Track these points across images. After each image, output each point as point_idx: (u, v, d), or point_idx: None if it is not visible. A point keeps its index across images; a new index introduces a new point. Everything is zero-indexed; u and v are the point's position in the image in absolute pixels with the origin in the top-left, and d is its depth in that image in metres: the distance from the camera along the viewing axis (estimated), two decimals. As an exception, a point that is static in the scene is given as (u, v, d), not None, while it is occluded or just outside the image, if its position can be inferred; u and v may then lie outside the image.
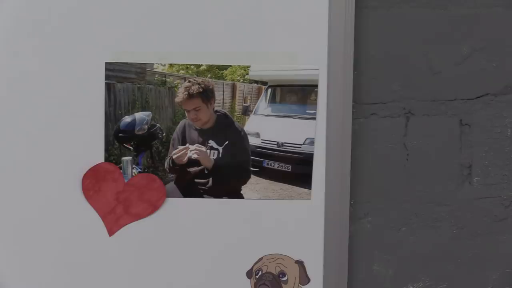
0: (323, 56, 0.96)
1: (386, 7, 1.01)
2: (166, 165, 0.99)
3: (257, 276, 1.02)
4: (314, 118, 0.99)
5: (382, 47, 1.02)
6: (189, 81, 0.96)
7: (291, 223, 1.01)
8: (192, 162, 0.99)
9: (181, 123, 0.98)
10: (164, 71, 0.96)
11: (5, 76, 0.95)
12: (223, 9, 0.95)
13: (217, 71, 0.96)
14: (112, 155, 0.98)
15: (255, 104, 1.00)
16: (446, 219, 1.09)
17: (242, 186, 1.01)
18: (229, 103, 0.98)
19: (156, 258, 1.01)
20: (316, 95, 0.98)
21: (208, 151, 0.99)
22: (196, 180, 1.00)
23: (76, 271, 1.01)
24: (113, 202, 0.99)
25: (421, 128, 1.05)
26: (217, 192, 1.01)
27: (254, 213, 1.01)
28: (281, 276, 1.02)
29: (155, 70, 0.96)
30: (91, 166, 0.98)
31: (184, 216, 1.01)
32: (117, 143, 0.98)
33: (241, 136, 1.00)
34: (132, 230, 1.00)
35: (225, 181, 1.01)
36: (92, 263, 1.01)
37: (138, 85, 0.96)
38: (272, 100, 1.00)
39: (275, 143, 1.01)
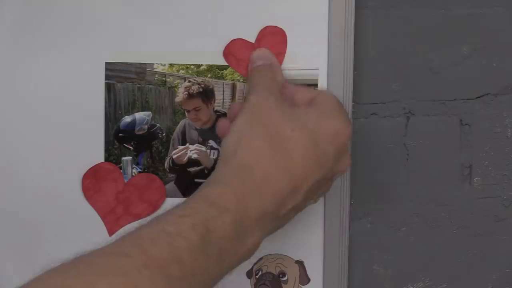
0: (323, 56, 0.96)
1: (386, 7, 1.01)
2: (166, 165, 0.99)
3: (257, 276, 1.02)
4: (314, 118, 0.99)
5: (382, 47, 1.02)
6: (189, 81, 0.96)
7: (291, 223, 1.01)
8: (192, 162, 0.99)
9: (181, 123, 0.98)
10: (164, 71, 0.96)
11: (4, 75, 0.95)
12: (223, 9, 0.95)
13: (217, 71, 0.96)
14: (112, 155, 0.98)
15: (255, 104, 0.99)
16: (446, 219, 1.09)
17: (242, 186, 1.01)
18: (229, 103, 0.98)
19: (156, 258, 1.01)
20: (316, 95, 0.98)
21: (208, 151, 0.99)
22: (196, 180, 1.00)
23: (76, 271, 1.01)
24: (113, 202, 0.99)
25: (421, 128, 1.05)
26: (217, 192, 1.01)
27: (254, 213, 1.01)
28: (281, 276, 1.02)
29: (155, 70, 0.96)
30: (91, 166, 0.98)
31: (184, 216, 1.00)
32: (117, 143, 0.98)
33: (241, 136, 1.00)
34: (132, 230, 1.00)
35: (225, 181, 1.01)
36: (92, 263, 1.00)
37: (138, 85, 0.96)
38: (272, 100, 1.00)
39: (275, 143, 1.00)
